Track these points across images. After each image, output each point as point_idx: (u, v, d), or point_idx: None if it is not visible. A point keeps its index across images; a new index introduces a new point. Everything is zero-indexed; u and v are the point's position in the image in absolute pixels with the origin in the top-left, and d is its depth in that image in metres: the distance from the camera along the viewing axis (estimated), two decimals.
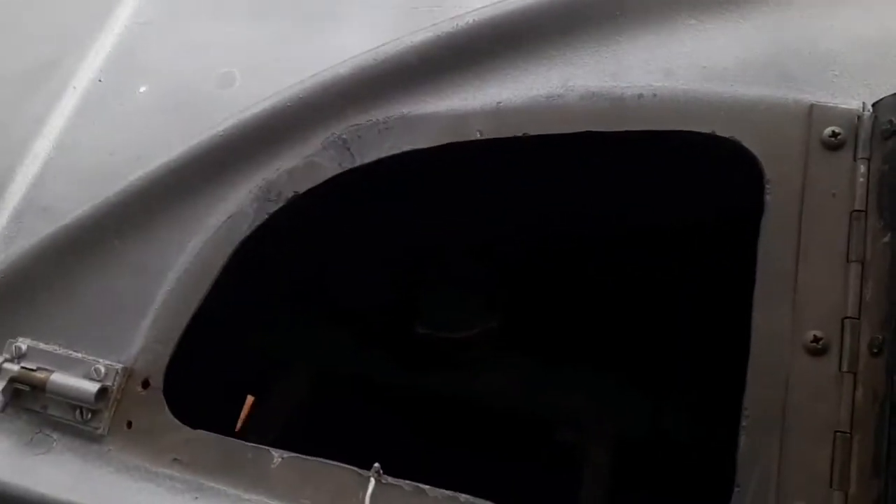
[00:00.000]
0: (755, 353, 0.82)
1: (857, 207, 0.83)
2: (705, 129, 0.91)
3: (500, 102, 0.98)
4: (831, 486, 0.75)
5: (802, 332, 0.81)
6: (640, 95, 0.94)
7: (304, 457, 0.89)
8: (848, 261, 0.82)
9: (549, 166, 1.09)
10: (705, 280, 1.27)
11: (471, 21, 1.00)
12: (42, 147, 1.22)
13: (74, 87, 1.28)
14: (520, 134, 0.96)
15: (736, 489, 0.78)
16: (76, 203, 1.08)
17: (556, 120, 0.96)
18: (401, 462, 0.87)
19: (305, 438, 0.96)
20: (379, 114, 1.02)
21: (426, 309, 1.39)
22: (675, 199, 1.21)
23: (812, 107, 0.88)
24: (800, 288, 0.83)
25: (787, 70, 0.92)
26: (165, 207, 1.03)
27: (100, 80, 1.28)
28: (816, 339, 0.80)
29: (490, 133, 0.97)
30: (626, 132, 0.93)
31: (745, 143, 0.89)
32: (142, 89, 1.25)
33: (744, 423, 0.79)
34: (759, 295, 0.84)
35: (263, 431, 1.04)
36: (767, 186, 0.87)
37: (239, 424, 1.23)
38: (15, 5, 1.46)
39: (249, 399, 1.52)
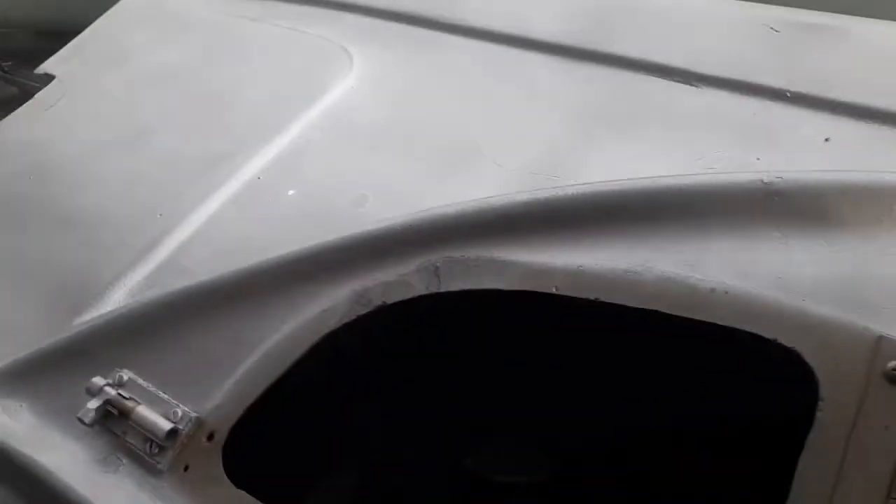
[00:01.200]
0: None
1: None
2: (769, 335, 0.94)
3: (580, 266, 1.07)
4: None
5: None
6: (713, 290, 0.99)
7: None
8: (888, 497, 0.80)
9: (614, 337, 1.14)
10: (743, 484, 1.23)
11: (570, 192, 1.12)
12: (196, 220, 1.45)
13: (237, 179, 1.52)
14: (593, 297, 1.04)
15: None
16: (209, 270, 1.26)
17: (629, 293, 1.02)
18: None
19: None
20: (472, 252, 1.14)
21: (478, 447, 1.42)
22: (728, 398, 1.21)
23: (880, 338, 0.90)
24: None
25: (862, 298, 0.95)
26: (273, 291, 1.18)
27: (258, 178, 1.51)
28: None
29: (566, 291, 1.06)
30: (693, 320, 0.98)
31: (806, 358, 0.91)
32: (290, 192, 1.46)
33: None
34: None
35: None
36: (820, 404, 0.88)
37: None
38: (218, 100, 1.75)
39: None
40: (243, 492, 1.02)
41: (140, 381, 1.12)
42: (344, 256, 1.19)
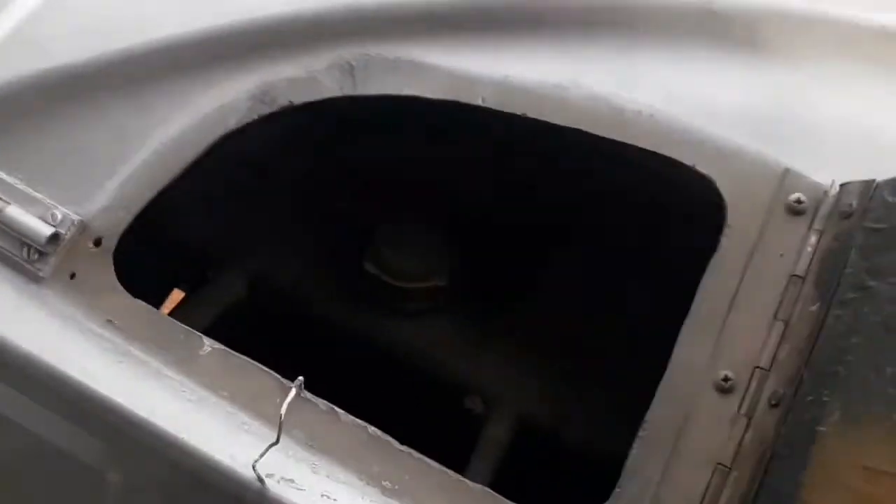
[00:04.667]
0: (669, 376, 0.89)
1: (797, 272, 0.89)
2: (687, 161, 0.96)
3: (507, 76, 1.01)
4: None
5: (716, 369, 0.88)
6: (639, 112, 0.98)
7: (233, 352, 0.92)
8: (775, 317, 0.88)
9: (534, 149, 1.13)
10: (649, 296, 1.33)
11: None
12: None
13: None
14: (519, 113, 1.00)
15: (616, 490, 0.85)
16: (69, 49, 1.06)
17: (556, 110, 0.99)
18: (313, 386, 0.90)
19: (230, 339, 0.99)
20: (392, 52, 1.04)
21: (379, 250, 1.42)
22: (638, 221, 1.27)
23: (787, 171, 0.93)
24: (725, 330, 0.89)
25: (777, 131, 0.98)
26: (162, 78, 1.03)
27: None
28: (726, 379, 0.87)
29: (492, 103, 1.00)
30: (615, 141, 0.98)
31: (718, 185, 0.94)
32: None
33: (640, 434, 0.86)
34: (687, 325, 0.91)
35: (192, 319, 1.06)
36: (726, 230, 0.93)
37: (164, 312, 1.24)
38: None
39: (178, 294, 1.50)
40: (139, 301, 0.95)
41: (4, 176, 0.97)
42: (242, 43, 1.04)
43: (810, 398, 0.80)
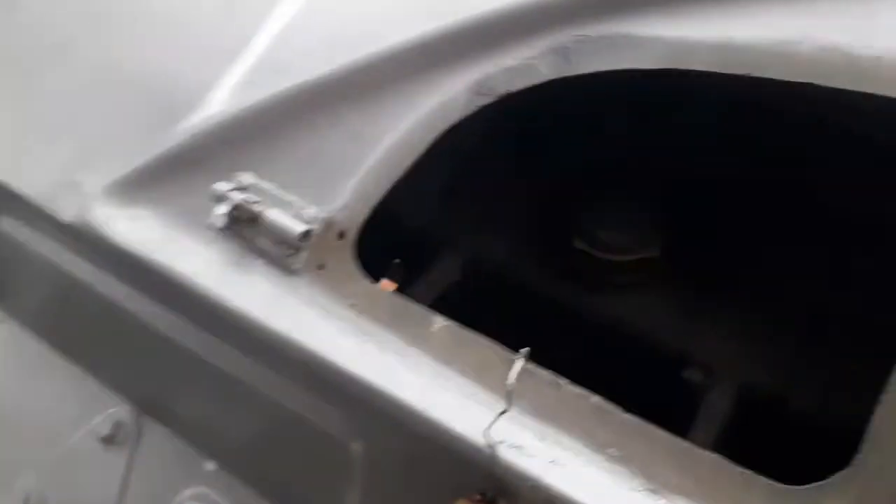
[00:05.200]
0: None
1: None
2: None
3: (730, 38, 0.96)
4: None
5: None
6: (879, 57, 0.88)
7: (461, 326, 0.97)
8: None
9: (759, 112, 1.06)
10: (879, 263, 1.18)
11: None
12: (288, 10, 1.35)
13: None
14: (742, 73, 0.94)
15: (858, 456, 0.76)
16: (311, 65, 1.18)
17: (783, 66, 0.92)
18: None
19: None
20: (604, 29, 1.03)
21: (588, 226, 1.40)
22: (875, 169, 1.14)
23: None
24: None
25: None
26: (389, 84, 1.12)
27: None
28: None
29: (712, 67, 0.95)
30: (851, 92, 0.88)
31: None
32: None
33: (882, 400, 0.76)
34: None
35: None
36: None
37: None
38: None
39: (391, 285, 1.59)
40: (378, 285, 1.03)
41: (262, 183, 1.11)
42: (460, 42, 1.10)
43: None
